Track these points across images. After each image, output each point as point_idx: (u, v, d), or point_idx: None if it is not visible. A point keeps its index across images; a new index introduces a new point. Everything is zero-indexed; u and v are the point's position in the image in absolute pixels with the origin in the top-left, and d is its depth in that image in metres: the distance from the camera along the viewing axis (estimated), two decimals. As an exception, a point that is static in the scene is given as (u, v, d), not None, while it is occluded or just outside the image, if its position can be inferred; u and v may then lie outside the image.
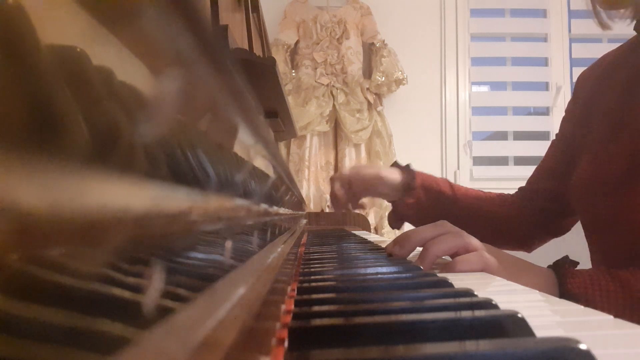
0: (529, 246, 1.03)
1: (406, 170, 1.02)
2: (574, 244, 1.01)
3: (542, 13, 2.50)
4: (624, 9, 0.76)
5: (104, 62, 0.10)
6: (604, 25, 0.80)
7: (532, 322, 0.27)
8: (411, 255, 0.66)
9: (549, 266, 0.63)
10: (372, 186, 1.02)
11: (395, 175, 1.01)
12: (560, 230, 0.99)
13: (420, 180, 1.00)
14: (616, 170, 0.71)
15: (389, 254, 0.67)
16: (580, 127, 0.85)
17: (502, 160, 2.48)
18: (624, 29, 0.79)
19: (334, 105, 2.25)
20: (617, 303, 0.57)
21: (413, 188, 0.99)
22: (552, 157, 0.96)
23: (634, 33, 0.78)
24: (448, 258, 0.67)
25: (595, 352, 0.22)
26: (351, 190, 1.04)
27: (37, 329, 0.08)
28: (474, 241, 0.60)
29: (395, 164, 1.07)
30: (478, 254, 0.58)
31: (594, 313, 0.36)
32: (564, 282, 0.59)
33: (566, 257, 0.64)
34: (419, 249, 0.63)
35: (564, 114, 0.96)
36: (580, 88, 0.90)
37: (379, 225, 2.20)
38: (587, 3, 0.81)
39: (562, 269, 0.61)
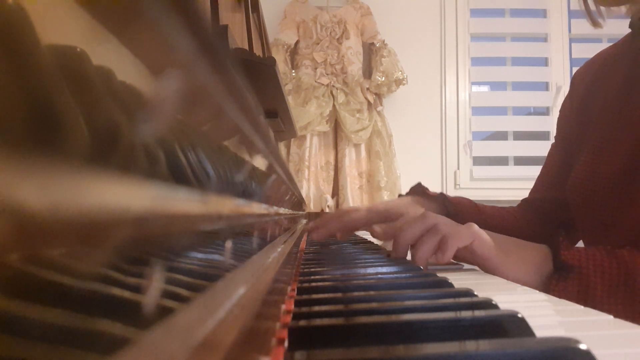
0: None
1: (438, 202, 0.91)
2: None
3: (542, 13, 2.50)
4: (619, 7, 0.76)
5: (104, 62, 0.10)
6: (595, 23, 0.79)
7: (532, 322, 0.27)
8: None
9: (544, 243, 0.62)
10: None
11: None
12: (569, 241, 0.91)
13: (454, 210, 0.90)
14: (614, 170, 0.71)
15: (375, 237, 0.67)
16: (578, 126, 0.85)
17: (502, 160, 2.48)
18: (624, 29, 0.79)
19: (334, 105, 2.25)
20: (611, 278, 0.56)
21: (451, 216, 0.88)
22: (552, 164, 0.93)
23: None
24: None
25: (595, 352, 0.22)
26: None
27: (37, 329, 0.08)
28: (454, 229, 0.59)
29: (417, 190, 0.94)
30: (468, 227, 0.58)
31: (594, 313, 0.36)
32: (557, 254, 0.58)
33: (561, 231, 0.63)
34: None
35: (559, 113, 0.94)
36: (577, 87, 0.89)
37: (379, 225, 2.20)
38: (579, 1, 0.80)
39: (557, 242, 0.60)
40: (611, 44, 0.88)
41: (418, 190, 0.94)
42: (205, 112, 0.18)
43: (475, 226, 0.58)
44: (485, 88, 2.73)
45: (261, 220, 0.34)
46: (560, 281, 0.57)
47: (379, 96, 2.34)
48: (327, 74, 2.26)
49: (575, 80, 0.91)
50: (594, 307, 0.37)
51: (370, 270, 0.53)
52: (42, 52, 0.08)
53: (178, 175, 0.14)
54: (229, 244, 0.21)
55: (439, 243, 0.58)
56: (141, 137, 0.12)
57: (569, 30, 2.46)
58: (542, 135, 2.45)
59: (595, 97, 0.82)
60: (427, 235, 0.59)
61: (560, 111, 0.94)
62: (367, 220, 0.86)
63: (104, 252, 0.10)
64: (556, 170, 0.92)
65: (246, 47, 0.77)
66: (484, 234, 0.58)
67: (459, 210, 0.91)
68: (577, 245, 0.81)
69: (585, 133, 0.81)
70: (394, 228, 0.69)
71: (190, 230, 0.16)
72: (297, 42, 2.32)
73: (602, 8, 0.78)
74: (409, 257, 0.65)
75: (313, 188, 2.24)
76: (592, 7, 0.79)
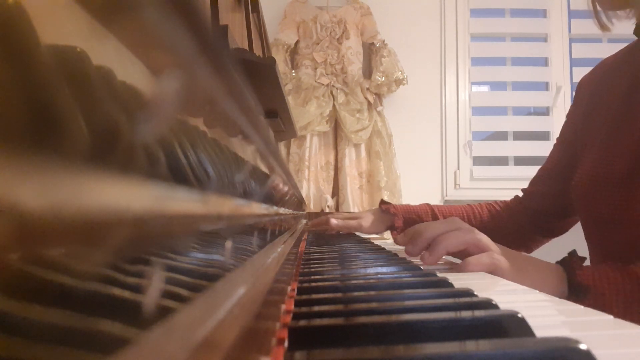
0: (527, 247, 1.06)
1: (386, 214, 1.11)
2: (573, 245, 1.02)
3: (542, 13, 2.50)
4: (627, 10, 0.77)
5: (104, 62, 0.10)
6: (603, 27, 0.80)
7: (532, 322, 0.27)
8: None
9: (557, 262, 0.63)
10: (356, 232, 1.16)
11: (373, 224, 1.12)
12: (558, 230, 1.02)
13: (401, 222, 1.09)
14: (617, 170, 0.72)
15: (397, 244, 0.70)
16: (582, 129, 0.86)
17: (502, 160, 2.48)
18: (625, 29, 0.79)
19: (334, 105, 2.25)
20: (625, 295, 0.57)
21: (396, 229, 1.09)
22: (552, 160, 0.98)
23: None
24: (450, 258, 0.68)
25: (595, 352, 0.22)
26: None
27: (37, 329, 0.08)
28: (484, 239, 0.60)
29: (381, 203, 1.14)
30: (489, 255, 0.59)
31: (594, 313, 0.36)
32: (572, 274, 0.59)
33: (573, 251, 0.64)
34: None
35: (565, 116, 0.98)
36: (581, 93, 0.91)
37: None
38: (587, 3, 0.81)
39: (570, 262, 0.61)
40: (611, 44, 0.89)
41: (381, 203, 1.16)
42: (205, 112, 0.18)
43: (495, 254, 0.59)
44: (485, 88, 2.72)
45: (261, 220, 0.34)
46: (576, 302, 0.57)
47: (379, 96, 2.34)
48: (327, 74, 2.26)
49: (580, 87, 0.93)
50: None
51: (370, 270, 0.53)
52: (42, 52, 0.08)
53: (178, 175, 0.14)
54: (229, 244, 0.21)
55: (461, 252, 0.59)
56: (141, 137, 0.12)
57: (569, 30, 2.46)
58: (542, 135, 2.45)
59: (600, 101, 0.83)
60: (459, 232, 0.60)
61: (567, 116, 0.98)
62: (335, 216, 1.15)
63: (104, 252, 0.10)
64: (553, 167, 0.96)
65: (246, 47, 0.77)
66: (502, 262, 0.59)
67: (409, 218, 1.09)
68: (577, 241, 0.82)
69: (589, 137, 0.82)
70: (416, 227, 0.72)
71: (190, 230, 0.16)
72: (297, 42, 2.32)
73: (610, 12, 0.79)
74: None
75: (313, 188, 2.24)
76: (600, 9, 0.79)
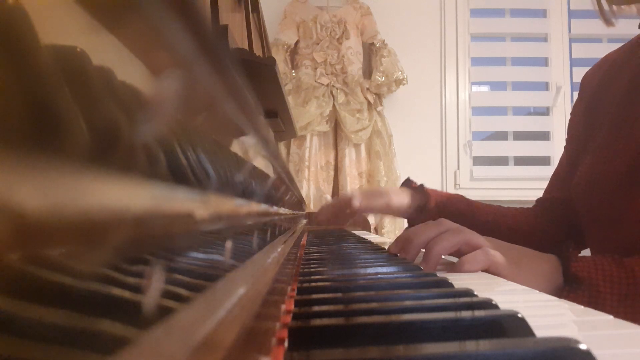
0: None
1: (419, 192, 1.00)
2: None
3: (542, 13, 2.50)
4: (629, 6, 0.76)
5: (104, 62, 0.10)
6: (608, 22, 0.79)
7: (532, 322, 0.27)
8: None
9: (553, 252, 0.63)
10: (381, 213, 0.99)
11: (405, 200, 0.98)
12: (577, 243, 0.90)
13: (434, 203, 0.97)
14: (618, 169, 0.72)
15: (390, 252, 0.68)
16: (584, 128, 0.85)
17: (502, 160, 2.48)
18: (624, 29, 0.79)
19: (334, 105, 2.25)
20: (620, 288, 0.57)
21: (427, 211, 0.97)
22: (561, 165, 0.95)
23: (636, 33, 0.78)
24: (449, 258, 0.68)
25: (595, 352, 0.22)
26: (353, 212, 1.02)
27: (37, 329, 0.08)
28: (476, 236, 0.60)
29: (406, 183, 1.04)
30: (483, 252, 0.58)
31: (593, 313, 0.36)
32: (567, 265, 0.58)
33: (569, 242, 0.63)
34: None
35: (568, 115, 0.96)
36: (585, 89, 0.90)
37: (379, 225, 2.20)
38: (592, 1, 0.80)
39: (566, 253, 0.61)
40: (611, 44, 0.88)
41: (406, 183, 1.06)
42: (205, 112, 0.18)
43: (489, 250, 0.58)
44: (485, 88, 2.72)
45: (261, 220, 0.34)
46: (570, 292, 0.57)
47: (379, 96, 2.34)
48: (327, 74, 2.26)
49: (584, 83, 0.92)
50: None
51: (370, 270, 0.53)
52: (42, 52, 0.08)
53: (178, 175, 0.14)
54: (229, 244, 0.21)
55: (455, 252, 0.59)
56: (141, 137, 0.12)
57: (569, 30, 2.46)
58: (542, 135, 2.45)
59: (602, 99, 0.82)
60: (448, 233, 0.60)
61: (571, 113, 0.95)
62: (355, 194, 1.01)
63: (104, 252, 0.10)
64: (565, 171, 0.93)
65: (246, 47, 0.77)
66: (498, 256, 0.58)
67: (441, 202, 0.97)
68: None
69: (591, 134, 0.82)
70: (406, 234, 0.69)
71: (190, 230, 0.16)
72: (297, 42, 2.32)
73: (614, 7, 0.78)
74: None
75: (313, 188, 2.24)
76: (606, 6, 0.79)
